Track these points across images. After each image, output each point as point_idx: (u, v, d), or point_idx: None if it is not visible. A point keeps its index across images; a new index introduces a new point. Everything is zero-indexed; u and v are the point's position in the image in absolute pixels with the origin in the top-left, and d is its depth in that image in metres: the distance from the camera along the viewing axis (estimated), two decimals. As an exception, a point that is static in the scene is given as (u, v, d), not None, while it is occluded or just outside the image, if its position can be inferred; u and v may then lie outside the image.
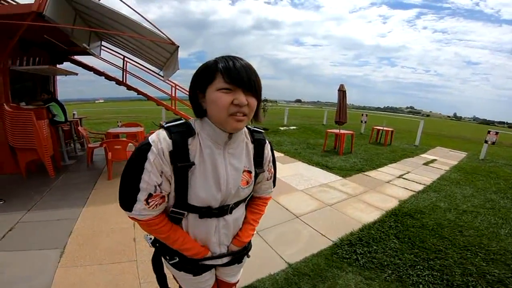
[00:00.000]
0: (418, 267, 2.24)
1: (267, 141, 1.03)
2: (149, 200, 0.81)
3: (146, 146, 0.78)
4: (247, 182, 0.95)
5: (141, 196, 0.80)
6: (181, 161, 0.79)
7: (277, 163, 1.15)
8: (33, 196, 3.34)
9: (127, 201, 0.82)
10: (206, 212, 0.89)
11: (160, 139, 0.79)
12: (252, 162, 0.97)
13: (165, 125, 0.82)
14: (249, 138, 0.97)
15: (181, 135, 0.80)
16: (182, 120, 0.85)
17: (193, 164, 0.81)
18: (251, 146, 0.97)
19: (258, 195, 1.13)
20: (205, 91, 0.79)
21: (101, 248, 2.39)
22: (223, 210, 0.92)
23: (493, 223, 3.10)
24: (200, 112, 0.85)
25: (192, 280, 1.07)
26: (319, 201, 3.73)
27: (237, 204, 0.97)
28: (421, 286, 2.03)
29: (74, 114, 6.98)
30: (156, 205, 0.83)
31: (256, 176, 1.00)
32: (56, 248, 2.35)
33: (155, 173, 0.79)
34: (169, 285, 1.16)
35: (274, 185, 1.16)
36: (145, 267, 2.14)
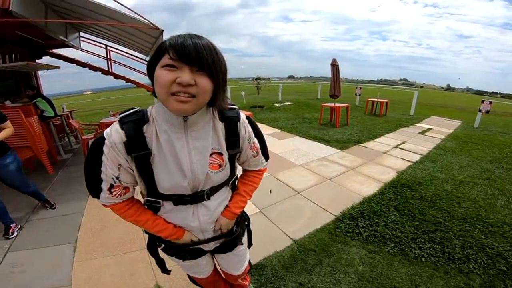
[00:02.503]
0: (419, 239, 2.29)
1: (242, 118, 0.94)
2: (112, 190, 0.83)
3: (100, 140, 0.78)
4: (220, 166, 0.89)
5: (104, 186, 0.82)
6: (136, 151, 0.77)
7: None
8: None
9: (93, 190, 0.84)
10: (179, 200, 0.88)
11: (112, 132, 0.77)
12: (224, 143, 0.90)
13: (118, 117, 0.79)
14: (217, 117, 0.88)
15: (133, 124, 0.77)
16: (135, 108, 0.82)
17: (151, 152, 0.79)
18: (220, 125, 0.89)
19: (251, 169, 1.09)
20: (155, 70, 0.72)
21: (111, 239, 2.42)
22: (197, 197, 0.89)
23: (489, 194, 3.15)
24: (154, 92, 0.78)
25: (186, 265, 1.12)
26: (318, 175, 3.78)
27: (214, 190, 0.93)
28: (423, 259, 2.08)
29: (63, 108, 6.85)
30: (119, 194, 0.85)
31: (232, 157, 0.94)
32: (68, 243, 2.38)
33: (111, 166, 0.79)
34: (170, 268, 1.20)
35: (267, 158, 1.11)
36: (156, 254, 2.19)
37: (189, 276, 1.37)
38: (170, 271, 1.18)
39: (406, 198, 3.01)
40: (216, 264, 1.31)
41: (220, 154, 0.89)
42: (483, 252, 2.14)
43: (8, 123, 2.39)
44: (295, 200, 3.10)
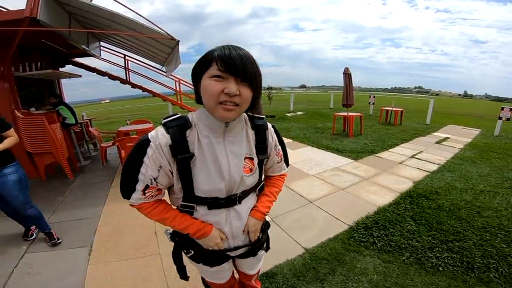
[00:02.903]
0: (437, 249, 2.23)
1: (269, 127, 1.02)
2: (146, 191, 0.86)
3: (145, 142, 0.82)
4: (251, 170, 0.95)
5: (139, 186, 0.85)
6: (181, 153, 0.81)
7: (287, 149, 1.16)
8: (55, 198, 3.45)
9: (127, 190, 0.88)
10: (214, 203, 0.91)
11: (158, 135, 0.81)
12: (254, 149, 0.96)
13: (163, 121, 0.84)
14: (249, 125, 0.96)
15: (178, 128, 0.83)
16: (178, 114, 0.87)
17: (193, 155, 0.83)
18: (251, 132, 0.96)
19: (273, 174, 1.14)
20: (201, 78, 0.79)
21: (125, 244, 2.47)
22: (230, 200, 0.93)
23: (512, 203, 3.02)
24: (199, 99, 0.86)
25: (210, 271, 1.12)
26: (332, 185, 3.74)
27: (245, 194, 0.97)
28: (440, 268, 2.02)
29: (83, 116, 7.11)
30: (152, 196, 0.88)
31: (261, 163, 0.99)
32: (84, 246, 2.45)
33: (152, 167, 0.83)
34: (188, 274, 1.20)
35: (287, 164, 1.17)
36: (168, 259, 2.19)
37: (204, 283, 1.38)
38: (189, 277, 1.20)
39: (422, 207, 2.93)
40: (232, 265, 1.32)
41: (251, 159, 0.95)
42: (505, 261, 2.06)
43: (12, 131, 2.18)
44: (307, 209, 3.08)
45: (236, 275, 1.41)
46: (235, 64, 0.73)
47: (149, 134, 0.83)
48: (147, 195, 0.87)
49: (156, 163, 0.82)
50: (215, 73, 0.74)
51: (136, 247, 2.40)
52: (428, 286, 1.85)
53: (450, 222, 2.62)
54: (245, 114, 0.95)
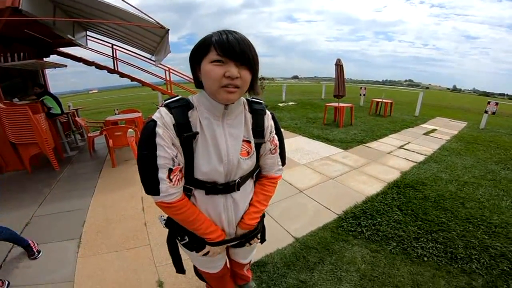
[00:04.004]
0: (422, 239, 2.28)
1: (267, 112, 1.03)
2: (171, 176, 0.83)
3: (152, 123, 0.81)
4: (248, 153, 0.95)
5: (162, 174, 0.82)
6: (185, 132, 0.82)
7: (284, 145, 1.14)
8: (42, 190, 3.37)
9: (151, 185, 0.83)
10: (212, 188, 0.91)
11: (162, 115, 0.82)
12: (251, 132, 0.97)
13: (165, 103, 0.85)
14: (247, 109, 0.97)
15: (180, 109, 0.84)
16: (179, 96, 0.88)
17: (197, 133, 0.85)
18: (249, 116, 0.97)
19: (265, 172, 1.11)
20: (200, 64, 0.80)
21: (115, 235, 2.45)
22: (229, 186, 0.93)
23: (494, 195, 3.11)
24: (198, 83, 0.88)
25: (204, 259, 1.11)
26: (321, 174, 3.78)
27: (243, 180, 0.97)
28: (425, 258, 2.07)
29: (69, 106, 6.93)
30: (178, 180, 0.85)
31: (258, 147, 1.00)
32: (73, 239, 2.41)
33: (169, 146, 0.81)
34: (184, 267, 1.19)
35: (283, 163, 1.15)
36: (158, 250, 2.20)
37: (196, 272, 1.37)
38: (185, 270, 1.19)
39: (409, 198, 2.99)
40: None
41: (249, 142, 0.96)
42: (486, 252, 2.12)
43: None
44: (298, 198, 3.10)
45: (228, 264, 1.42)
46: (233, 48, 0.74)
47: (152, 116, 0.83)
48: (173, 180, 0.83)
49: (169, 140, 0.81)
50: (215, 58, 0.75)
51: (126, 239, 2.38)
52: (414, 276, 1.90)
53: (435, 212, 2.68)
54: (243, 98, 0.95)
